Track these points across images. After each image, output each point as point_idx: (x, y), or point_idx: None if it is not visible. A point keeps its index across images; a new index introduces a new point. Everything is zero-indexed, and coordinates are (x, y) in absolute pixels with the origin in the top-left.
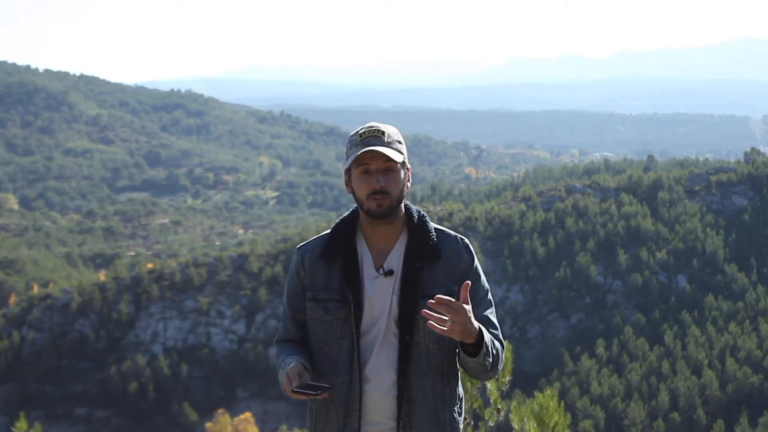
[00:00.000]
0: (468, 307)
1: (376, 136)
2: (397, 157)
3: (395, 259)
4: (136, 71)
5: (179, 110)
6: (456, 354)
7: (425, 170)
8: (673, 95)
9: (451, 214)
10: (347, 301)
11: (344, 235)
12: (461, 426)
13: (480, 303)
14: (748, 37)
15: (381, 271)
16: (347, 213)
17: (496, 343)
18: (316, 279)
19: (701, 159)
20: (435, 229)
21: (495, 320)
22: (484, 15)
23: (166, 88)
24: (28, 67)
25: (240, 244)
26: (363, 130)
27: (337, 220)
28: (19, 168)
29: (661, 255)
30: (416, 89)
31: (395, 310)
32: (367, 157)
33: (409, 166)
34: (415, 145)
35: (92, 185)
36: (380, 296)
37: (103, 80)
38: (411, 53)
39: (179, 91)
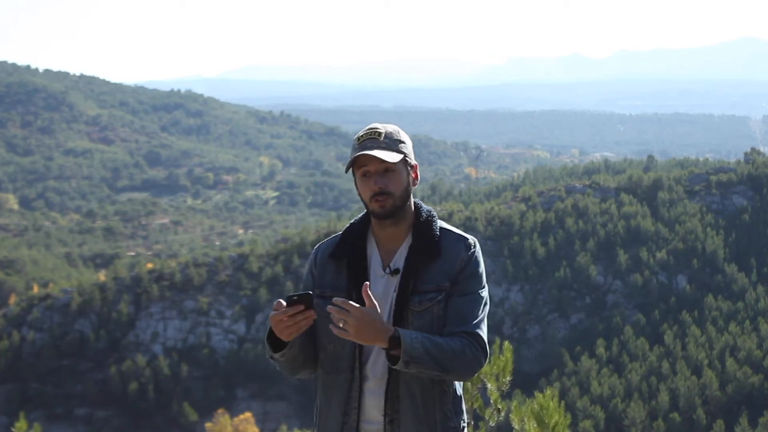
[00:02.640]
0: (369, 311)
1: (373, 138)
2: (392, 158)
3: (402, 257)
4: (136, 71)
5: (179, 110)
6: None
7: (425, 170)
8: (673, 95)
9: (451, 214)
10: (352, 299)
11: (356, 235)
12: (461, 424)
13: (464, 296)
14: (748, 37)
15: (387, 270)
16: (360, 215)
17: (443, 346)
18: (325, 277)
19: (701, 159)
20: (441, 228)
21: (469, 313)
22: (484, 15)
23: (166, 88)
24: (28, 67)
25: (240, 244)
26: (363, 133)
27: (351, 221)
28: (19, 168)
29: (661, 255)
30: (416, 89)
31: (394, 306)
32: (365, 158)
33: (414, 163)
34: (415, 145)
35: (92, 185)
36: (384, 294)
37: (103, 80)
38: (411, 53)
39: (179, 91)
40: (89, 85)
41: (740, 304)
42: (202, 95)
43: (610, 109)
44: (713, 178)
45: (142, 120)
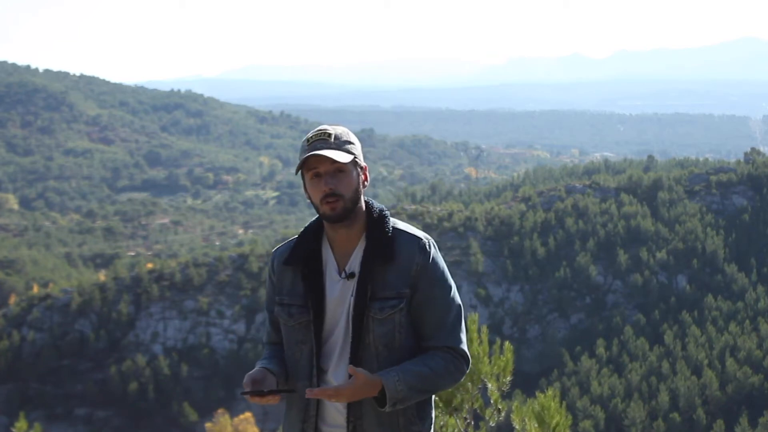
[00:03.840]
0: (354, 383)
1: (322, 140)
2: (343, 158)
3: (356, 261)
4: (136, 71)
5: (179, 110)
6: (409, 355)
7: (425, 170)
8: (673, 95)
9: (451, 214)
10: (308, 306)
11: (310, 240)
12: (425, 428)
13: (435, 305)
14: (748, 37)
15: (343, 274)
16: (314, 218)
17: (425, 375)
18: (283, 284)
19: (701, 159)
20: (395, 229)
21: (450, 322)
22: (484, 15)
23: (166, 88)
24: (28, 67)
25: (240, 244)
26: (311, 135)
27: (306, 225)
28: (19, 168)
29: (661, 255)
30: (416, 89)
31: (353, 312)
32: (314, 160)
33: (364, 165)
34: (415, 145)
35: (92, 185)
36: (340, 299)
37: (103, 80)
38: (411, 53)
39: (179, 91)
40: (89, 85)
41: (740, 304)
42: (202, 95)
43: (610, 109)
44: (713, 178)
45: (142, 120)
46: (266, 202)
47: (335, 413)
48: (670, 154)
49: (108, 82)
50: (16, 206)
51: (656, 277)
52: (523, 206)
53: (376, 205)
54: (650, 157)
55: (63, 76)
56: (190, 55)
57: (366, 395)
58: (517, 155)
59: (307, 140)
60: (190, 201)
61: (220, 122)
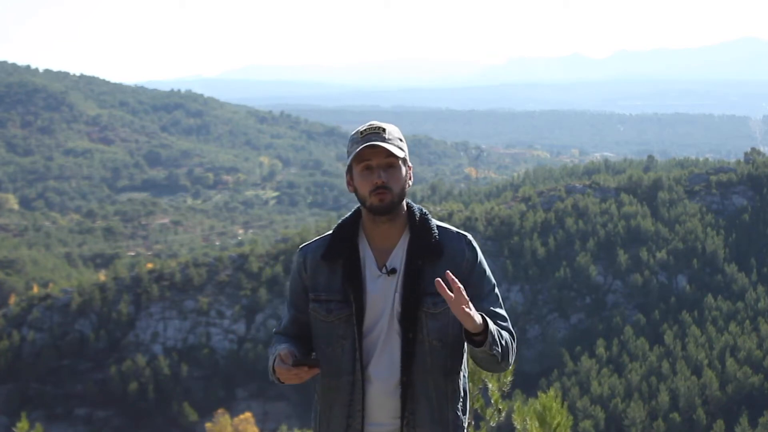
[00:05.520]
0: (462, 296)
1: (376, 133)
2: (399, 153)
3: (398, 257)
4: (136, 71)
5: (179, 110)
6: (460, 349)
7: (425, 170)
8: (673, 95)
9: (451, 214)
10: (349, 301)
11: (346, 235)
12: (465, 423)
13: (486, 298)
14: (747, 37)
15: (384, 269)
16: (349, 214)
17: (504, 333)
18: (318, 280)
19: (701, 159)
20: (437, 226)
21: (503, 312)
22: (484, 15)
23: (166, 88)
24: (28, 67)
25: (240, 244)
26: (364, 128)
27: (339, 221)
28: (19, 168)
29: (661, 255)
30: (416, 89)
31: (398, 308)
32: (368, 153)
33: (410, 164)
34: (415, 145)
35: (92, 185)
36: (383, 295)
37: (103, 80)
38: (411, 53)
39: (179, 91)
40: (89, 85)
41: (740, 304)
42: (202, 95)
43: (610, 109)
44: (713, 178)
45: (142, 120)
46: (266, 202)
47: (381, 410)
48: (670, 154)
49: (108, 82)
50: (16, 206)
51: (656, 277)
52: (523, 206)
53: (416, 205)
54: (650, 157)
55: (63, 76)
56: (190, 55)
57: (473, 319)
58: (517, 155)
59: (360, 133)
60: (190, 201)
61: (220, 122)
